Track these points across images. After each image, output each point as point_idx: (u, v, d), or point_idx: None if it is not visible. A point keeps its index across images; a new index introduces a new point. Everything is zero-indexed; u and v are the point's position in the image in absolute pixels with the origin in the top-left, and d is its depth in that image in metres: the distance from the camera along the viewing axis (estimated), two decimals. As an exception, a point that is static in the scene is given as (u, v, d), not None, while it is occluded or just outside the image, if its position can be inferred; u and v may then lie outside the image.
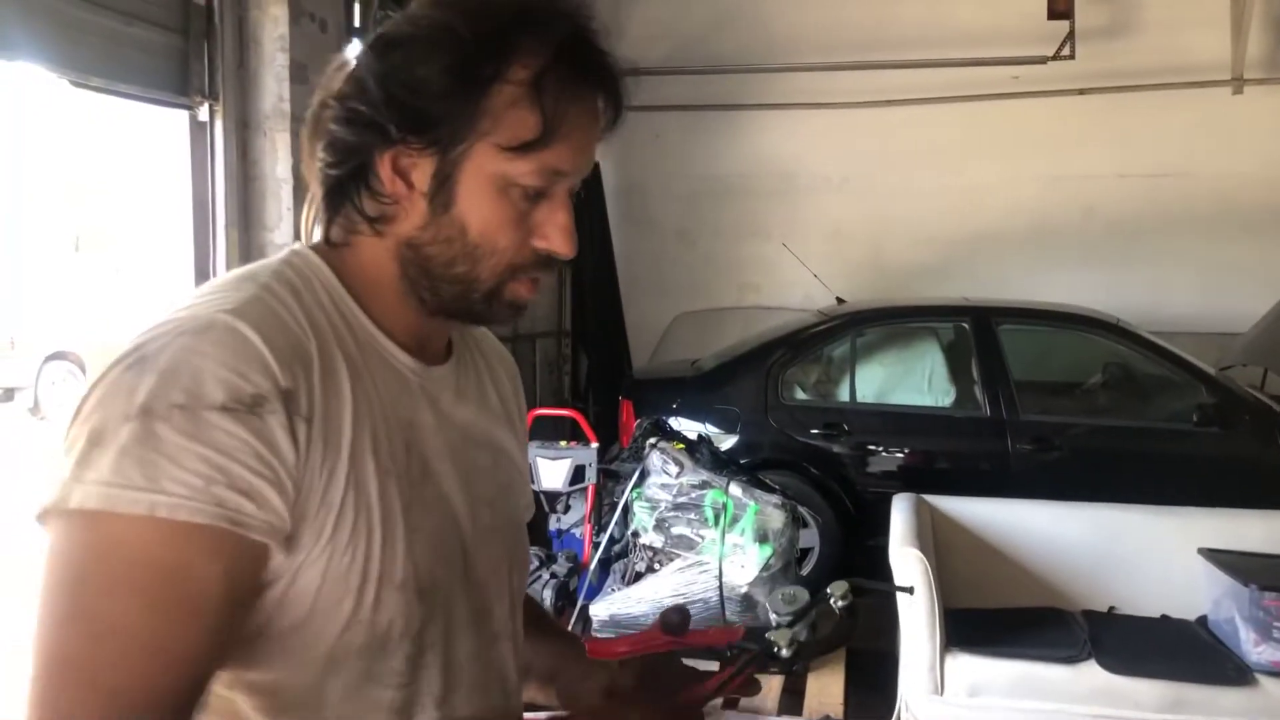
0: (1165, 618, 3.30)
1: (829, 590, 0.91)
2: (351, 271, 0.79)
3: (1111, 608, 3.37)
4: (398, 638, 0.74)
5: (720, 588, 3.20)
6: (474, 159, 0.74)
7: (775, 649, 0.86)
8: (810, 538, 4.23)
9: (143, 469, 0.63)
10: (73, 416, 0.67)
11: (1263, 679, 2.80)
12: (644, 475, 3.41)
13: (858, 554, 4.26)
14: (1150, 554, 3.40)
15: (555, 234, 0.78)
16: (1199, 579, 3.26)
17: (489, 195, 0.75)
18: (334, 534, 0.70)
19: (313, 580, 0.69)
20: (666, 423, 3.95)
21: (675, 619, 0.94)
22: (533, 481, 3.85)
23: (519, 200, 0.76)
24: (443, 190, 0.75)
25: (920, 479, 3.96)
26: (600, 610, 3.34)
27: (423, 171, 0.75)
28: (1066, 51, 5.87)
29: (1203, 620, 3.25)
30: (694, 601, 3.24)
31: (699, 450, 3.55)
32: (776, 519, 3.39)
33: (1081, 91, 6.20)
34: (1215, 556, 3.21)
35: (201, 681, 0.67)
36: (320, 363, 0.72)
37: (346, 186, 0.77)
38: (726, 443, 4.35)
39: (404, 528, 0.74)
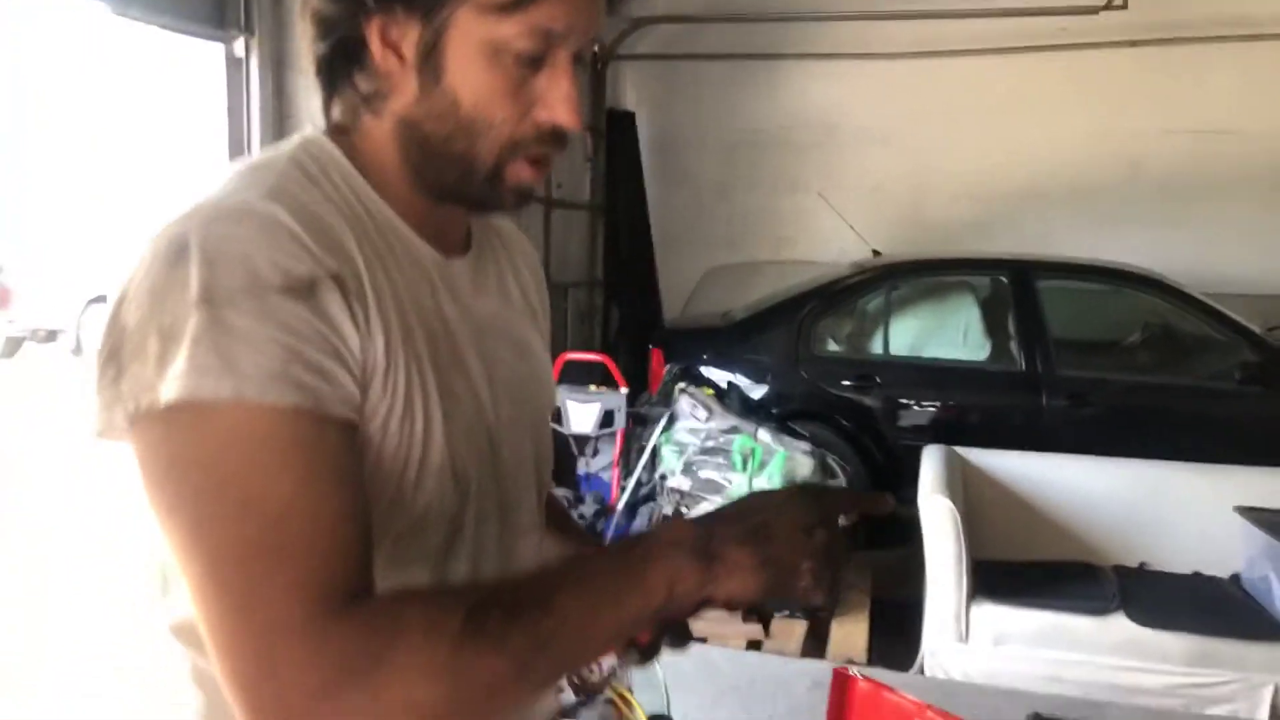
0: (1197, 574, 3.26)
1: None
2: (363, 157, 0.76)
3: (1143, 564, 3.33)
4: (434, 522, 0.73)
5: (746, 532, 3.21)
6: (459, 23, 0.70)
7: None
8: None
9: (220, 355, 0.61)
10: (112, 320, 0.65)
11: (1295, 636, 2.76)
12: (673, 419, 3.41)
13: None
14: (1185, 511, 3.35)
15: (557, 103, 0.73)
16: (1233, 537, 3.21)
17: (480, 63, 0.71)
18: (386, 417, 0.69)
19: (366, 462, 0.69)
20: (697, 368, 3.94)
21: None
22: (562, 424, 3.88)
23: (513, 68, 0.72)
24: (430, 60, 0.71)
25: (952, 433, 3.92)
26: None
27: (411, 42, 0.71)
28: (1119, 1, 5.68)
29: (1235, 578, 3.21)
30: (720, 545, 3.25)
31: (728, 396, 3.53)
32: (805, 466, 3.38)
33: (1133, 44, 6.01)
34: (1252, 514, 3.15)
35: (371, 548, 0.65)
36: (356, 249, 0.70)
37: (338, 63, 0.74)
38: (756, 392, 4.33)
39: (441, 414, 0.73)
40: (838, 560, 0.70)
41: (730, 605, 0.69)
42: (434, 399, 0.73)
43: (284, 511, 0.61)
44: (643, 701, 1.90)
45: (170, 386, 0.61)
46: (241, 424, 0.61)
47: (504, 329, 0.85)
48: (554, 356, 4.04)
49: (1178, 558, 3.31)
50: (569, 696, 1.81)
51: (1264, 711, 2.69)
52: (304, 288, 0.64)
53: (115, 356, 0.64)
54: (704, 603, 0.69)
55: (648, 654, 0.75)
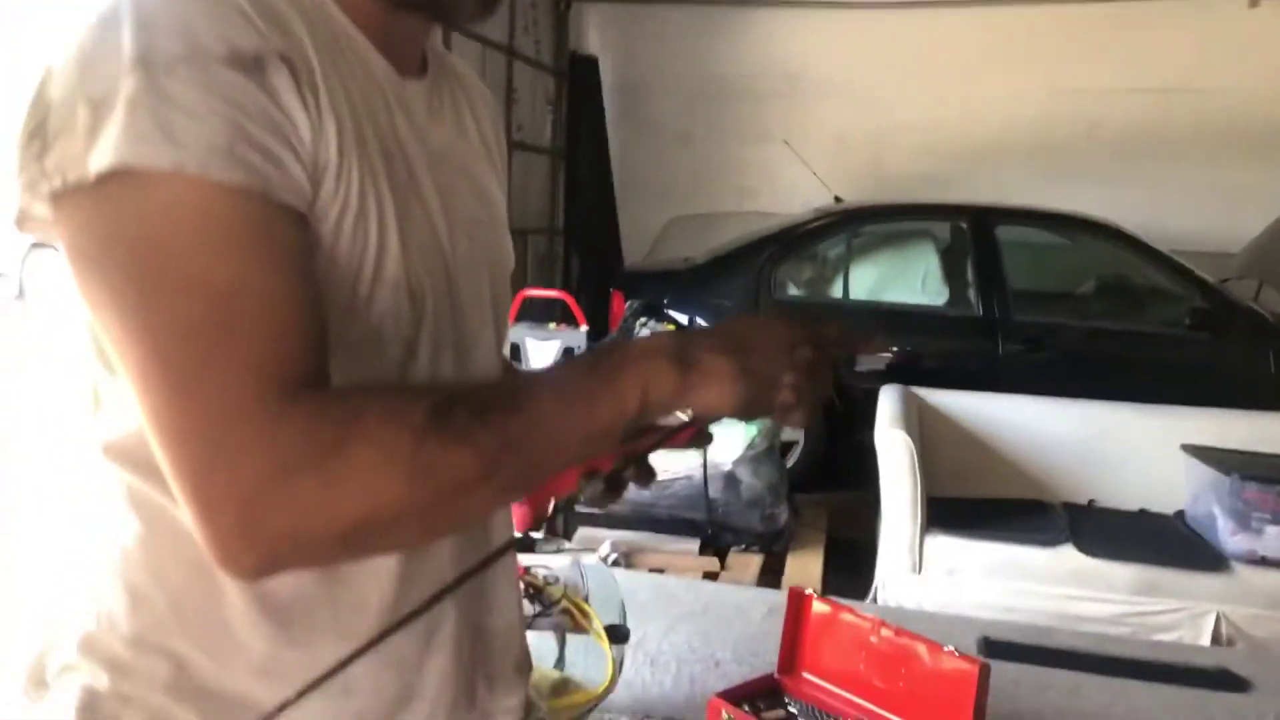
0: (1144, 511, 3.33)
1: None
2: None
3: (1091, 501, 3.39)
4: (389, 339, 0.68)
5: (704, 465, 3.20)
6: None
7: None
8: (796, 430, 4.24)
9: (158, 124, 0.55)
10: (36, 98, 0.59)
11: (1238, 566, 2.83)
12: (632, 354, 3.38)
13: (842, 449, 4.27)
14: (1133, 450, 3.41)
15: None
16: (1179, 475, 3.27)
17: None
18: (339, 220, 0.63)
19: (318, 264, 0.63)
20: (658, 305, 3.91)
21: None
22: (520, 362, 3.84)
23: None
24: None
25: (910, 376, 3.94)
26: (583, 486, 3.34)
27: None
28: (1083, -44, 5.69)
29: (1180, 515, 3.28)
30: (677, 478, 3.24)
31: (688, 332, 3.51)
32: (763, 403, 3.37)
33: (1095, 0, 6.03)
34: (1198, 452, 3.22)
35: (327, 339, 0.60)
36: (308, 39, 0.64)
37: None
38: (716, 335, 4.30)
39: (396, 224, 0.67)
40: (820, 381, 0.67)
41: (705, 417, 0.65)
42: (389, 208, 0.67)
43: (233, 289, 0.56)
44: (601, 615, 1.88)
45: (102, 155, 0.55)
46: (184, 198, 0.56)
47: (461, 164, 0.80)
48: (513, 293, 3.99)
49: (1125, 495, 3.37)
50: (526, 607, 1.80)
51: (1206, 638, 2.75)
52: (250, 62, 0.58)
53: (39, 132, 0.58)
54: (680, 429, 0.65)
55: (611, 486, 0.72)
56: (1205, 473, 3.11)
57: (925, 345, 4.30)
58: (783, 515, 3.33)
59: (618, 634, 1.77)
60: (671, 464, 3.23)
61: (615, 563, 3.04)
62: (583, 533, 3.30)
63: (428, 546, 0.73)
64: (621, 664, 1.68)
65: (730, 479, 3.22)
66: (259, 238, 0.58)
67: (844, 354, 0.75)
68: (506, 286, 0.88)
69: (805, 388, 0.66)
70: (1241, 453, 3.17)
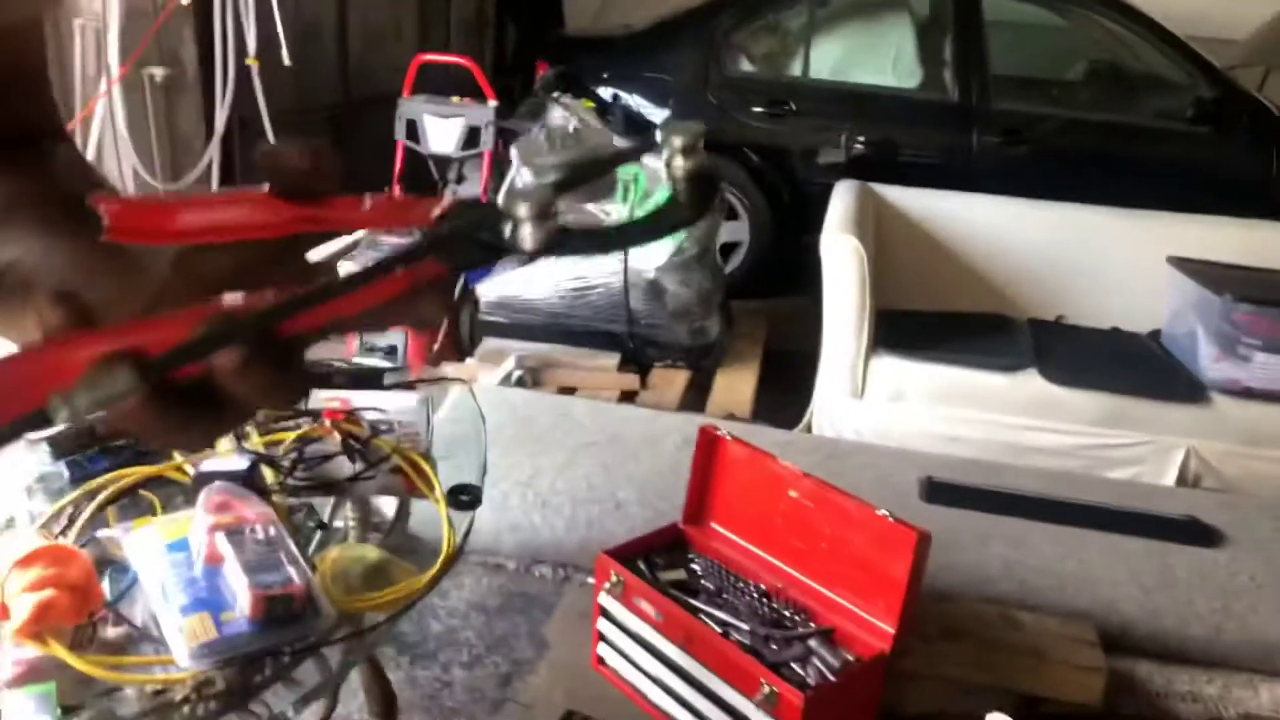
0: (1116, 330, 2.99)
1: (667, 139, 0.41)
2: None
3: (1060, 317, 3.04)
4: None
5: (625, 272, 2.77)
6: None
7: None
8: (739, 231, 3.79)
9: None
10: None
11: (1217, 397, 2.52)
12: (544, 136, 2.85)
13: (791, 252, 3.85)
14: (1111, 261, 3.03)
15: None
16: (1159, 290, 2.92)
17: None
18: None
19: None
20: (577, 76, 3.33)
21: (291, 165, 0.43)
22: (419, 142, 3.30)
23: None
24: None
25: (871, 170, 3.47)
26: (489, 291, 2.91)
27: None
28: None
29: (1155, 335, 2.95)
30: (595, 287, 2.82)
31: (611, 111, 2.97)
32: (698, 198, 2.90)
33: None
34: (1184, 265, 2.85)
35: None
36: None
37: None
38: (654, 115, 3.76)
39: None
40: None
41: None
42: None
43: None
44: (453, 471, 1.50)
45: None
46: None
47: None
48: (409, 57, 3.38)
49: (1098, 311, 3.03)
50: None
51: (1170, 476, 2.48)
52: None
53: None
54: None
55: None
56: (1191, 290, 2.75)
57: (892, 134, 3.79)
58: (714, 329, 2.95)
59: (464, 498, 1.40)
60: (589, 270, 2.79)
61: (520, 381, 2.66)
62: (488, 345, 2.90)
63: None
64: (465, 538, 1.31)
65: (654, 288, 2.80)
66: None
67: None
68: None
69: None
70: (1233, 267, 2.80)
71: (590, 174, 0.44)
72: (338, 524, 1.37)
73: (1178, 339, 2.80)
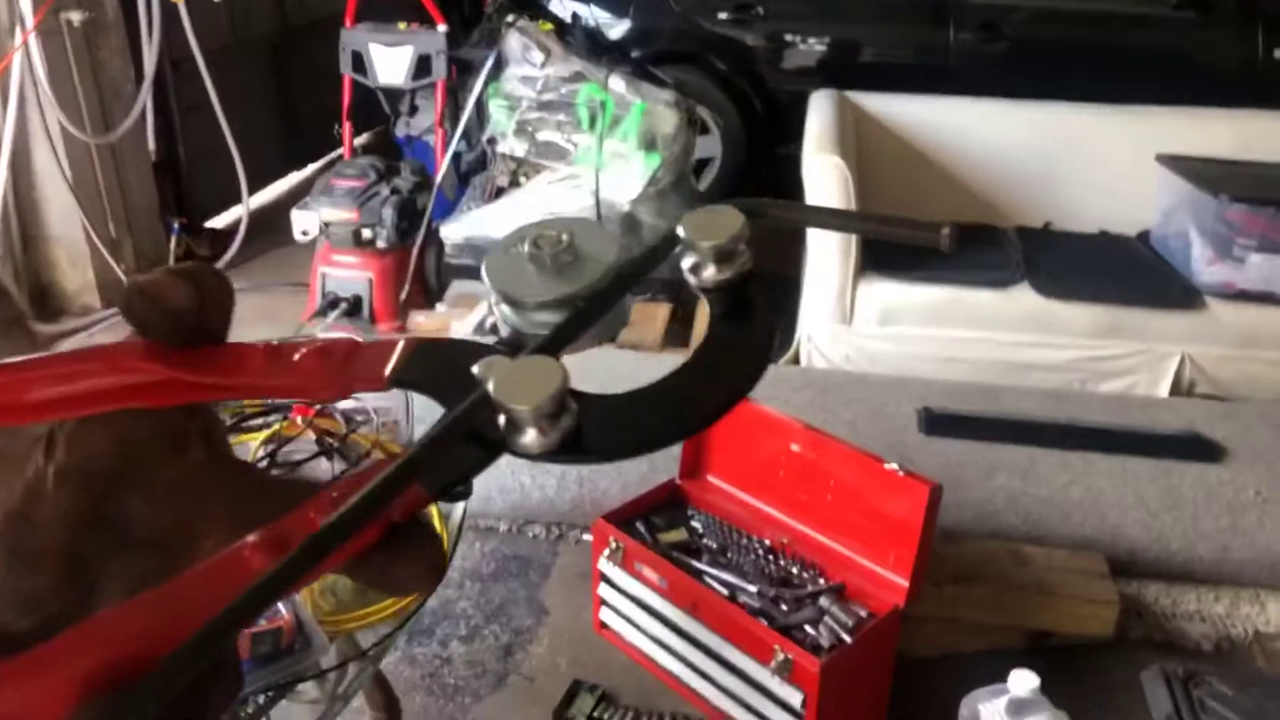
0: (1104, 234, 2.91)
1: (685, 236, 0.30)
2: None
3: (1048, 224, 2.95)
4: None
5: (597, 206, 2.64)
6: None
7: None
8: (710, 146, 3.63)
9: None
10: None
11: (1212, 301, 2.46)
12: (500, 65, 2.67)
13: (765, 164, 3.71)
14: (1097, 161, 2.93)
15: None
16: (1147, 190, 2.83)
17: None
18: None
19: None
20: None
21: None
22: (366, 75, 3.10)
23: None
24: None
25: (844, 75, 3.31)
26: (453, 232, 2.77)
27: None
28: None
29: (1144, 237, 2.87)
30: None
31: (572, 32, 2.79)
32: (668, 121, 2.75)
33: None
34: (1174, 163, 2.75)
35: None
36: None
37: None
38: (615, 30, 3.56)
39: None
40: None
41: None
42: None
43: None
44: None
45: None
46: None
47: None
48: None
49: (1085, 215, 2.94)
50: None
51: (1165, 384, 2.44)
52: None
53: None
54: None
55: None
56: (1182, 189, 2.66)
57: (865, 34, 3.62)
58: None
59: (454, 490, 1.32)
60: (559, 205, 2.65)
61: (494, 329, 2.54)
62: (456, 288, 2.77)
63: None
64: (457, 538, 1.23)
65: (630, 220, 2.67)
66: None
67: None
68: None
69: None
70: (1225, 163, 2.71)
71: (596, 310, 0.33)
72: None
73: (1168, 240, 2.73)
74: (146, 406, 0.31)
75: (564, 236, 0.33)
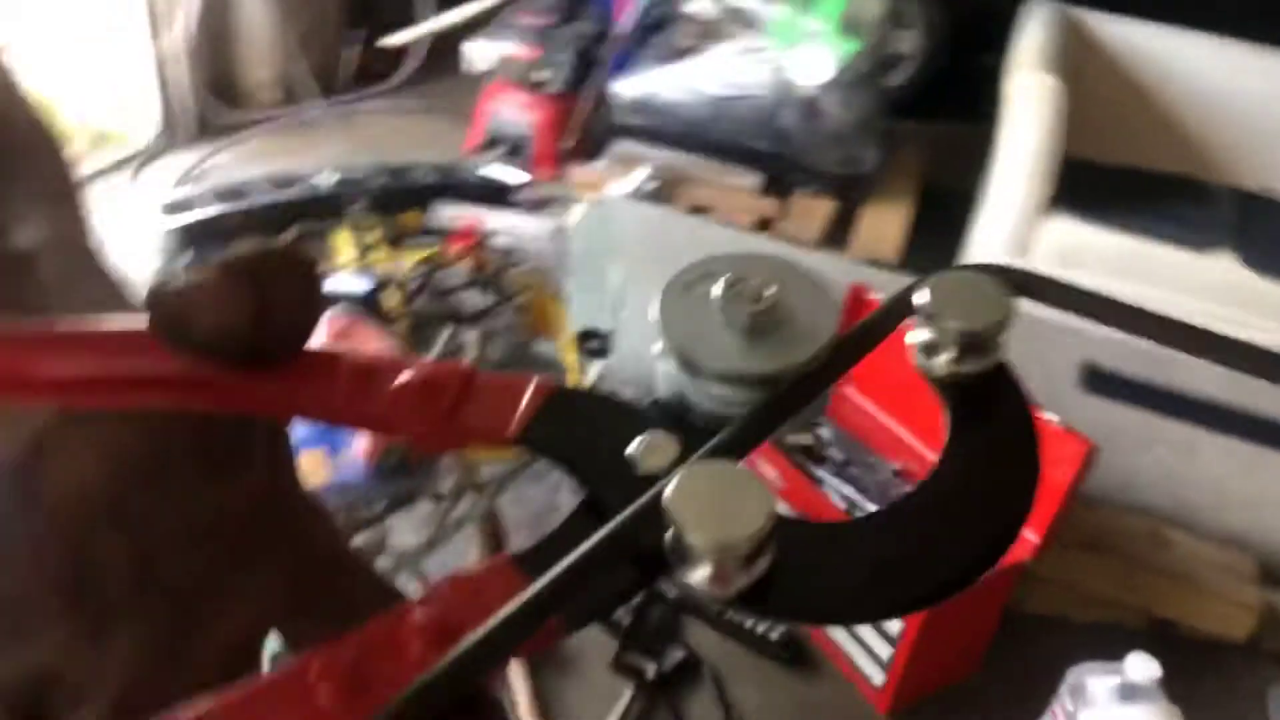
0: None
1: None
2: None
3: (1270, 190, 2.65)
4: None
5: (777, 85, 2.50)
6: None
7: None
8: (907, 41, 3.38)
9: None
10: None
11: None
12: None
13: (963, 72, 3.43)
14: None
15: None
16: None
17: None
18: None
19: None
20: None
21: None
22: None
23: None
24: None
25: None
26: (626, 89, 2.68)
27: None
28: None
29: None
30: (744, 98, 2.56)
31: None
32: (873, 7, 2.56)
33: None
34: None
35: None
36: None
37: None
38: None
39: None
40: None
41: None
42: None
43: None
44: (578, 312, 1.37)
45: None
46: None
47: None
48: None
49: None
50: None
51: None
52: None
53: None
54: None
55: None
56: None
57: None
58: (869, 158, 2.67)
59: (593, 345, 1.27)
60: (738, 77, 2.52)
61: (651, 195, 2.48)
62: (619, 149, 2.70)
63: None
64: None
65: (810, 107, 2.53)
66: None
67: None
68: None
69: None
70: None
71: (800, 399, 0.24)
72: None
73: None
74: (184, 408, 0.22)
75: (768, 291, 0.24)
